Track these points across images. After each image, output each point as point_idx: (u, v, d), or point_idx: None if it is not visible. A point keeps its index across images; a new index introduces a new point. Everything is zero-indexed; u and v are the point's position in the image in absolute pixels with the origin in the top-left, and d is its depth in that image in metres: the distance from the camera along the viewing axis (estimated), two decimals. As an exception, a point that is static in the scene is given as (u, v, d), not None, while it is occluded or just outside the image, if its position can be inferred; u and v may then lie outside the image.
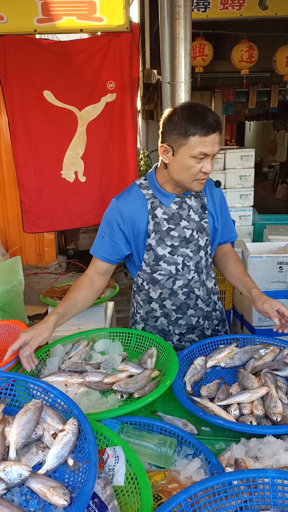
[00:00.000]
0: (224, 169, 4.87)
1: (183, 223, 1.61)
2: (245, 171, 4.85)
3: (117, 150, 3.42)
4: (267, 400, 1.21)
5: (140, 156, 6.96)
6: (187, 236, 1.62)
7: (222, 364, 1.47)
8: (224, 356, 1.50)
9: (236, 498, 0.83)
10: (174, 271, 1.63)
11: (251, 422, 1.13)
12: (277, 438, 1.06)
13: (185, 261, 1.63)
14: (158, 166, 1.60)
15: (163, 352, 1.47)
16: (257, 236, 4.79)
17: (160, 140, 1.51)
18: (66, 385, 1.33)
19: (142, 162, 6.82)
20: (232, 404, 1.22)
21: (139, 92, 6.75)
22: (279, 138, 14.85)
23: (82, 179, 3.47)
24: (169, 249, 1.61)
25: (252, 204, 4.92)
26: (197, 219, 1.63)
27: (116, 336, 1.68)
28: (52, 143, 3.31)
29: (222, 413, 1.17)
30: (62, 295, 2.42)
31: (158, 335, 1.73)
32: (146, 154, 7.02)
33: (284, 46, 5.56)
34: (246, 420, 1.15)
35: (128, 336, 1.67)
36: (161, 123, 1.50)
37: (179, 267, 1.63)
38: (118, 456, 0.94)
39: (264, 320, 2.84)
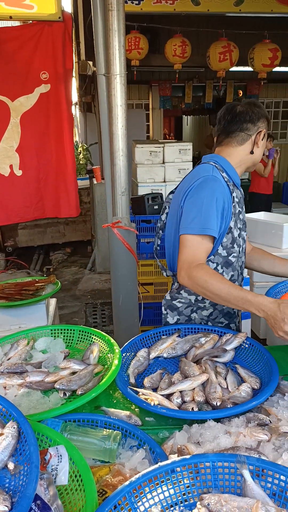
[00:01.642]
0: (163, 162, 4.93)
1: (244, 207, 1.75)
2: (184, 164, 4.94)
3: (54, 142, 3.34)
4: (207, 386, 1.25)
5: (79, 149, 6.84)
6: (245, 220, 1.76)
7: (165, 355, 1.50)
8: (166, 347, 1.52)
9: (179, 484, 0.85)
10: (239, 253, 1.70)
11: (192, 408, 1.16)
12: (217, 422, 1.09)
13: (244, 244, 1.75)
14: (222, 151, 1.68)
15: (106, 346, 1.47)
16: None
17: (250, 129, 1.63)
18: (5, 388, 1.28)
19: (81, 156, 6.70)
20: (174, 392, 1.24)
21: (75, 84, 6.62)
22: (215, 132, 15.29)
23: (18, 172, 3.34)
24: (239, 231, 1.68)
25: (191, 196, 5.04)
26: (243, 206, 1.76)
27: (60, 333, 1.65)
28: (-17, 135, 3.16)
29: (165, 402, 1.19)
30: (2, 295, 2.32)
31: (224, 318, 1.75)
32: (85, 147, 6.91)
33: (216, 42, 5.71)
34: (188, 407, 1.17)
35: (71, 333, 1.64)
36: (243, 114, 1.63)
37: (241, 249, 1.72)
38: (61, 455, 0.92)
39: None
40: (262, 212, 4.20)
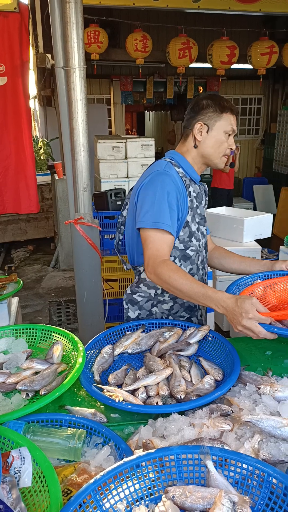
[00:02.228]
0: (126, 158, 4.91)
1: (203, 202, 1.76)
2: (146, 160, 4.95)
3: (12, 137, 3.25)
4: (171, 380, 1.26)
5: (39, 144, 6.69)
6: (204, 215, 1.77)
7: (130, 350, 1.50)
8: (131, 343, 1.52)
9: (144, 479, 0.85)
10: (198, 247, 1.72)
11: (157, 403, 1.17)
12: (181, 415, 1.11)
13: (203, 239, 1.76)
14: (178, 149, 1.70)
15: (70, 345, 1.45)
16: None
17: (190, 122, 1.64)
18: None
19: (41, 151, 6.56)
20: (139, 388, 1.24)
21: (33, 77, 6.46)
22: (177, 128, 15.43)
23: (-24, 168, 3.23)
24: (197, 225, 1.71)
25: (154, 192, 5.05)
26: (204, 202, 1.79)
27: (22, 333, 1.61)
28: None
29: (130, 398, 1.19)
30: None
31: (185, 312, 1.77)
32: (45, 142, 6.77)
33: (176, 38, 5.73)
34: (152, 402, 1.18)
35: (33, 332, 1.61)
36: (188, 111, 1.66)
37: (201, 243, 1.74)
38: (24, 457, 0.90)
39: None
40: (224, 207, 4.29)
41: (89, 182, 2.65)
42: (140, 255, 1.70)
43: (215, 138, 1.62)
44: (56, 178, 5.42)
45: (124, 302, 1.82)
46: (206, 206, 1.83)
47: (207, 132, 1.62)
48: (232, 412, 1.09)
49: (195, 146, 1.65)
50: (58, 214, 5.57)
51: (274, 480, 0.80)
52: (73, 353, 1.40)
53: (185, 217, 1.63)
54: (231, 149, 1.65)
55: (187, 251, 1.68)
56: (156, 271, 1.46)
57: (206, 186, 1.84)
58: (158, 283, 1.50)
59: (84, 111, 2.48)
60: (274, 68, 7.23)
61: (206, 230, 1.82)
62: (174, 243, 1.64)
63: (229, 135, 1.63)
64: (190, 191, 1.65)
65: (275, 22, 7.29)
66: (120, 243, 1.88)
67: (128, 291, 1.81)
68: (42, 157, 6.53)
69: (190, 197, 1.65)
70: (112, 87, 9.11)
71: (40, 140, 6.80)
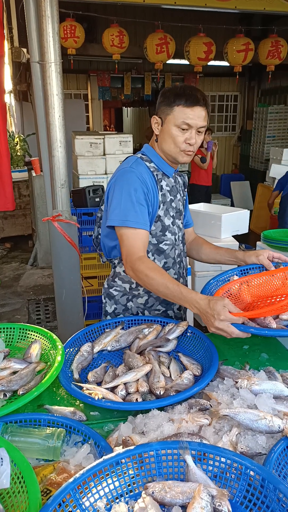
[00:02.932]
0: (104, 154, 4.89)
1: (178, 196, 1.73)
2: (125, 156, 4.91)
3: (-13, 133, 3.17)
4: (151, 376, 1.26)
5: (16, 140, 6.58)
6: (180, 209, 1.75)
7: (109, 348, 1.49)
8: (110, 340, 1.52)
9: (124, 476, 0.86)
10: (174, 241, 1.71)
11: (136, 399, 1.17)
12: (161, 411, 1.11)
13: (179, 232, 1.74)
14: (151, 142, 1.68)
15: (49, 343, 1.43)
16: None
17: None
18: None
19: (18, 147, 6.45)
20: (119, 385, 1.24)
21: (8, 71, 6.34)
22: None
23: None
24: (171, 219, 1.69)
25: (132, 188, 5.04)
26: (182, 194, 1.77)
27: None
28: None
29: (109, 395, 1.19)
30: None
31: (160, 305, 1.76)
32: (22, 138, 6.66)
33: (153, 34, 5.72)
34: (132, 399, 1.18)
35: (11, 331, 1.58)
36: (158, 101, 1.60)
37: (176, 237, 1.72)
38: (1, 458, 0.89)
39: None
40: (202, 203, 4.31)
41: (66, 178, 2.62)
42: (113, 248, 1.72)
43: (167, 133, 1.56)
44: (34, 174, 5.34)
45: (102, 297, 1.83)
46: (185, 198, 1.82)
47: (161, 125, 1.58)
48: (211, 406, 1.10)
49: (156, 140, 1.64)
50: (35, 211, 5.49)
51: (251, 473, 0.82)
52: (51, 351, 1.39)
53: (155, 212, 1.63)
54: (189, 143, 1.55)
55: (161, 245, 1.69)
56: (134, 268, 1.48)
57: (186, 177, 1.83)
58: (137, 280, 1.52)
59: (61, 106, 2.45)
60: (250, 66, 7.31)
61: (183, 223, 1.81)
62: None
63: (184, 129, 1.52)
64: (162, 185, 1.65)
65: (251, 19, 7.37)
66: (99, 237, 1.87)
67: (105, 285, 1.82)
68: (18, 153, 6.41)
69: (162, 191, 1.64)
70: (90, 83, 9.04)
71: (16, 136, 6.67)
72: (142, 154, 1.68)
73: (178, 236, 1.76)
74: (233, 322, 1.26)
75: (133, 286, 1.74)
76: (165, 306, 1.78)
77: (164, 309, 1.79)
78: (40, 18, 2.30)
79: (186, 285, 1.83)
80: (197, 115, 1.51)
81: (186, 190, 1.83)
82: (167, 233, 1.68)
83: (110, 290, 1.79)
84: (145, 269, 1.44)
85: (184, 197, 1.81)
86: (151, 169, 1.63)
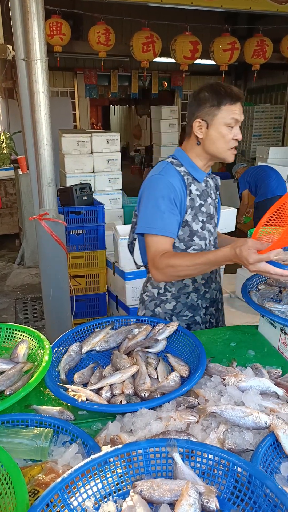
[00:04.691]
0: (91, 152, 4.86)
1: (209, 200, 1.71)
2: (112, 154, 4.92)
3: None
4: (137, 378, 1.25)
5: (1, 138, 6.50)
6: (211, 213, 1.72)
7: (98, 348, 1.48)
8: (99, 340, 1.50)
9: (112, 474, 0.86)
10: (203, 246, 1.69)
11: (121, 401, 1.16)
12: (149, 409, 1.11)
13: (210, 237, 1.73)
14: (183, 145, 1.67)
15: (36, 343, 1.42)
16: (128, 219, 4.93)
17: (190, 119, 1.60)
18: None
19: (3, 145, 6.38)
20: (104, 386, 1.24)
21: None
22: (142, 123, 15.43)
23: None
24: (201, 224, 1.67)
25: (121, 187, 5.03)
26: (214, 197, 1.75)
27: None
28: None
29: (94, 397, 1.18)
30: None
31: (188, 311, 1.76)
32: (8, 136, 6.58)
33: (139, 32, 5.70)
34: (116, 401, 1.17)
35: (-3, 331, 1.57)
36: (189, 105, 1.61)
37: (207, 241, 1.71)
38: (-12, 460, 0.88)
39: (137, 299, 3.01)
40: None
41: (53, 176, 2.60)
42: (144, 255, 1.75)
43: (217, 133, 1.55)
44: (20, 172, 5.28)
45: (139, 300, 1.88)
46: (217, 200, 1.79)
47: (207, 128, 1.56)
48: (198, 403, 1.11)
49: (198, 143, 1.60)
50: (22, 209, 5.44)
51: (238, 469, 0.82)
52: (39, 351, 1.38)
53: (183, 217, 1.62)
54: (236, 139, 1.56)
55: (189, 250, 1.67)
56: (158, 267, 1.51)
57: (219, 179, 1.80)
58: (165, 277, 1.55)
59: (47, 104, 2.43)
60: (236, 65, 7.34)
61: (215, 227, 1.78)
62: (174, 243, 1.65)
63: (232, 126, 1.54)
64: (191, 190, 1.63)
65: (237, 18, 7.41)
66: (134, 242, 1.86)
67: (141, 290, 1.85)
68: (4, 151, 6.34)
69: (190, 195, 1.62)
70: (76, 80, 8.98)
71: (2, 134, 6.60)
72: (173, 158, 1.66)
73: (209, 240, 1.73)
74: (264, 260, 1.27)
75: (161, 291, 1.75)
76: (192, 312, 1.78)
77: (192, 315, 1.78)
78: (26, 14, 2.28)
79: (220, 285, 1.88)
80: (240, 110, 1.56)
81: (218, 192, 1.80)
82: (195, 238, 1.66)
83: (143, 295, 1.83)
84: (165, 259, 1.48)
85: (216, 200, 1.78)
86: (182, 173, 1.61)
